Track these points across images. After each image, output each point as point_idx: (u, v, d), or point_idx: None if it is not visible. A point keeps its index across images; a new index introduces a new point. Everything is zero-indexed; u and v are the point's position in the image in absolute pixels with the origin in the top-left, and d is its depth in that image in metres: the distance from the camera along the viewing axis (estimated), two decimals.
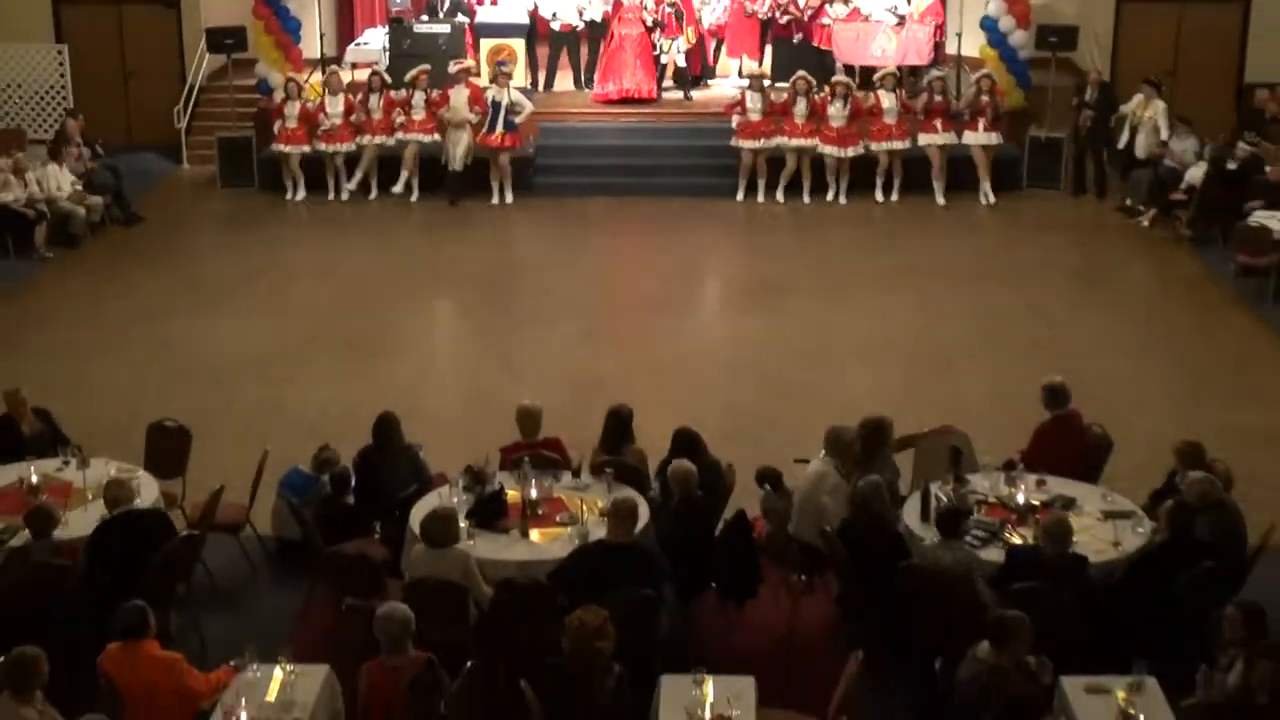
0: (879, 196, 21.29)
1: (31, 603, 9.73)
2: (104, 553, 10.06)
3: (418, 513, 10.42)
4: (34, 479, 11.05)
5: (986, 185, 21.31)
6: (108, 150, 21.78)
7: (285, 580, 11.38)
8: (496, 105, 20.90)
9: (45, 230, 19.47)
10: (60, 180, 20.03)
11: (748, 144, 21.20)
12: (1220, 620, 9.17)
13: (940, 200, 21.23)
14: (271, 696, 8.56)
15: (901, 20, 22.06)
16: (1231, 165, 19.34)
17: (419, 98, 21.20)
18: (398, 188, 21.42)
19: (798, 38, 22.62)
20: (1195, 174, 19.71)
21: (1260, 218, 17.88)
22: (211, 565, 11.18)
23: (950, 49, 22.55)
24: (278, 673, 8.74)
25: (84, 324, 16.98)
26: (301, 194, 21.67)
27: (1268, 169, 19.12)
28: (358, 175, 21.48)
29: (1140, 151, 20.90)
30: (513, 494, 10.64)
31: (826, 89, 21.13)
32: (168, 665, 8.71)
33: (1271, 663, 8.03)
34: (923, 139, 21.16)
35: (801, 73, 21.51)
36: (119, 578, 9.94)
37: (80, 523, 10.44)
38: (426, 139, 21.31)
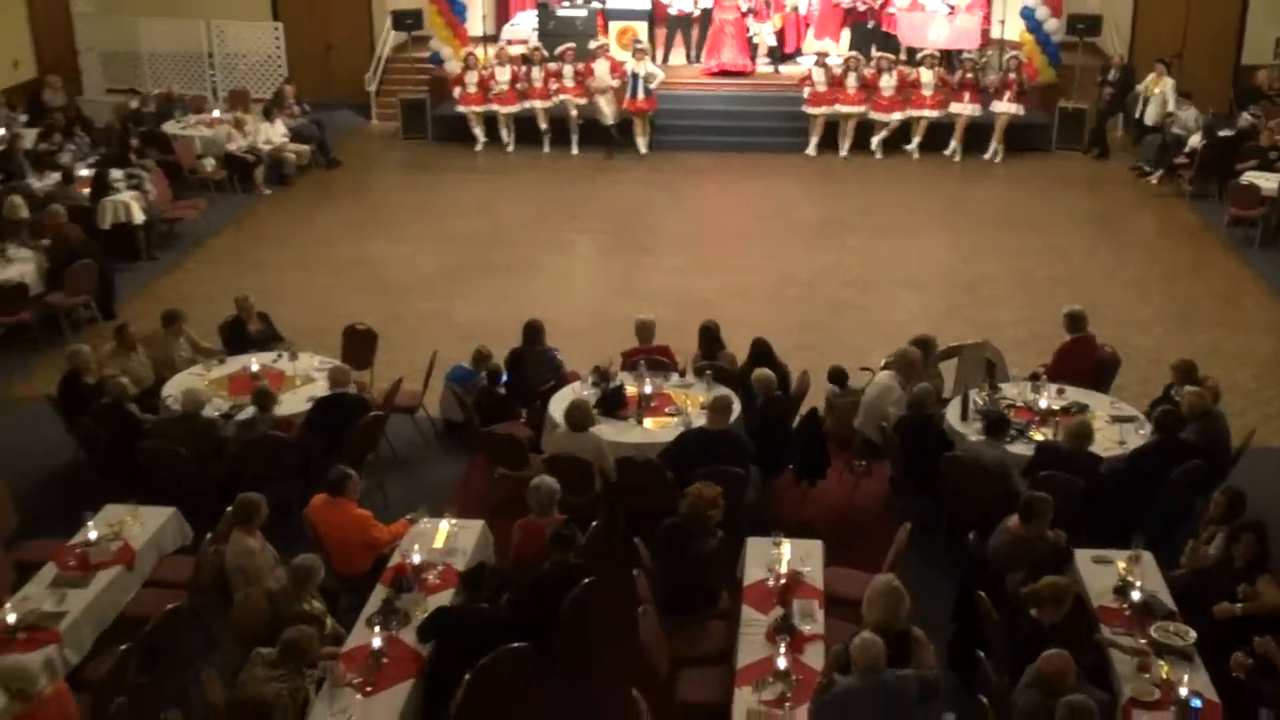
0: (914, 153, 20.92)
1: (256, 464, 9.96)
2: (318, 424, 10.22)
3: (556, 402, 10.50)
4: (255, 368, 11.23)
5: (998, 146, 20.76)
6: (313, 107, 21.89)
7: (450, 453, 11.54)
8: (635, 76, 20.74)
9: (263, 172, 19.67)
10: (272, 133, 20.19)
11: (813, 110, 20.92)
12: (1203, 508, 9.04)
13: (956, 158, 20.75)
14: (439, 544, 8.75)
15: (953, 9, 21.48)
16: (1225, 133, 18.75)
17: (568, 69, 21.04)
18: (573, 149, 21.32)
19: (870, 24, 22.13)
20: (1195, 140, 19.12)
21: (1250, 176, 17.32)
22: (393, 439, 11.34)
23: (995, 33, 21.96)
24: (444, 525, 8.92)
25: (293, 246, 17.16)
26: (482, 144, 21.56)
27: (1262, 135, 18.46)
28: (544, 135, 21.40)
29: (1149, 119, 20.30)
30: (631, 389, 10.67)
31: (873, 64, 20.76)
32: (359, 518, 8.87)
33: (1252, 535, 7.97)
34: (953, 108, 20.71)
35: (853, 52, 21.17)
36: (326, 446, 10.12)
37: (290, 403, 10.61)
38: (580, 101, 21.17)
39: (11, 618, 7.84)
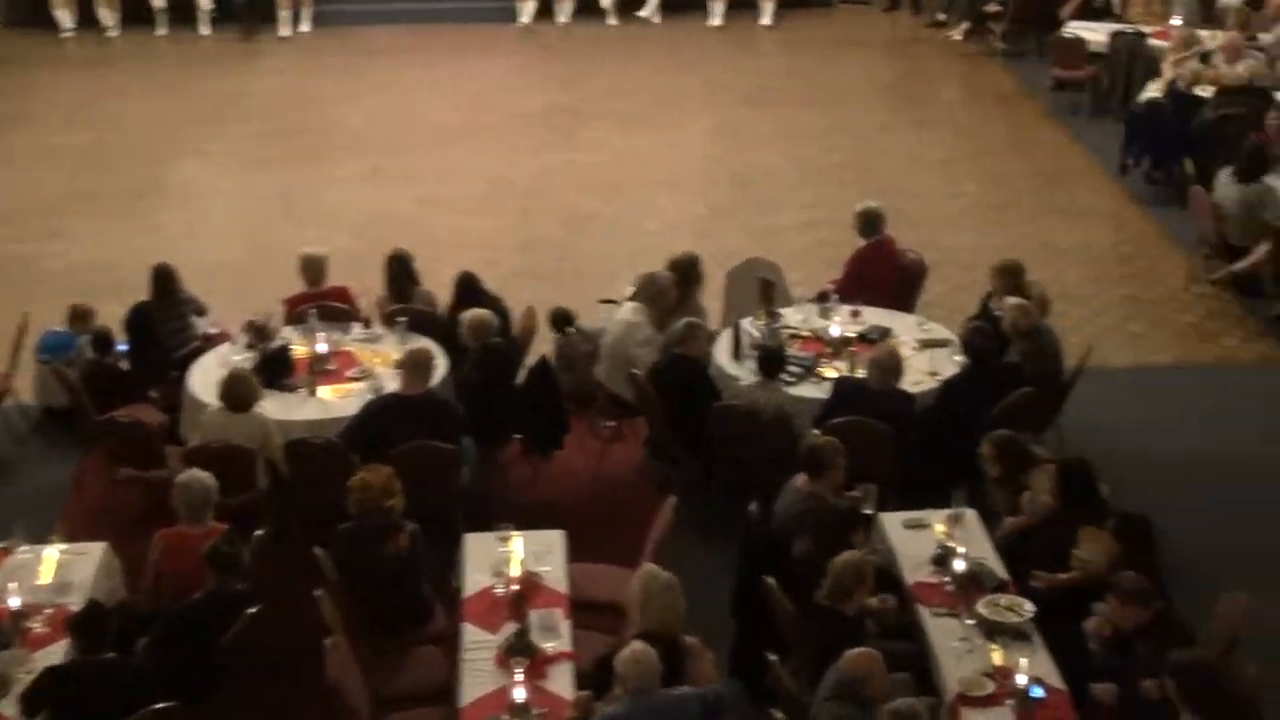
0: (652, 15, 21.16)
1: None
2: None
3: (199, 374, 10.25)
4: None
5: (770, 4, 21.17)
6: None
7: (54, 452, 11.12)
8: None
9: None
10: None
11: None
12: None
13: (715, 21, 21.06)
14: (45, 578, 8.41)
15: None
16: None
17: None
18: (202, 29, 20.85)
19: None
20: None
21: (1076, 28, 18.05)
22: None
23: None
24: (50, 553, 8.59)
25: None
26: (70, 26, 20.88)
27: None
28: None
29: None
30: (299, 349, 10.46)
31: None
32: None
33: (1044, 473, 8.56)
34: None
35: None
36: None
37: None
38: None
39: None
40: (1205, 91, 15.11)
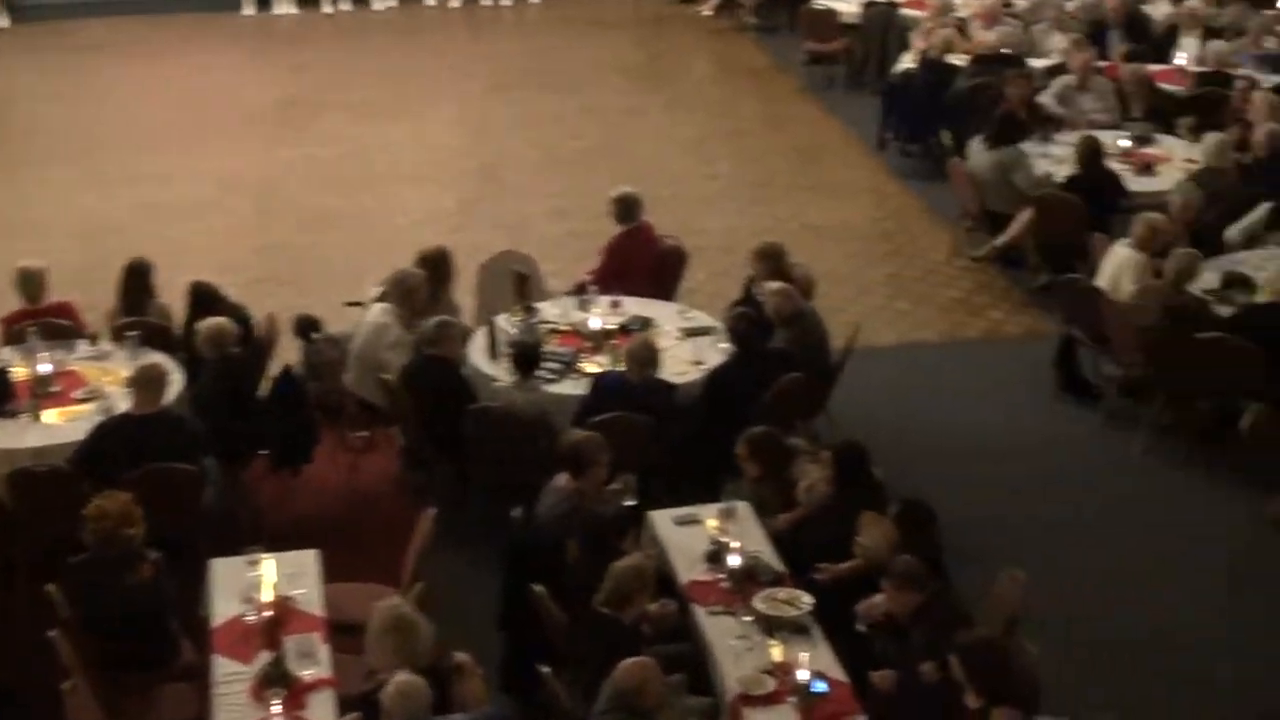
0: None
1: None
2: None
3: None
4: None
5: None
6: None
7: None
8: None
9: None
10: None
11: None
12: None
13: (455, 4, 21.16)
14: None
15: None
16: None
17: None
18: None
19: None
20: None
21: (826, 0, 18.38)
22: None
23: None
24: None
25: None
26: None
27: None
28: None
29: None
30: (19, 371, 10.15)
31: None
32: None
33: (817, 461, 8.80)
34: None
35: None
36: None
37: None
38: None
39: None
40: (960, 60, 15.52)
